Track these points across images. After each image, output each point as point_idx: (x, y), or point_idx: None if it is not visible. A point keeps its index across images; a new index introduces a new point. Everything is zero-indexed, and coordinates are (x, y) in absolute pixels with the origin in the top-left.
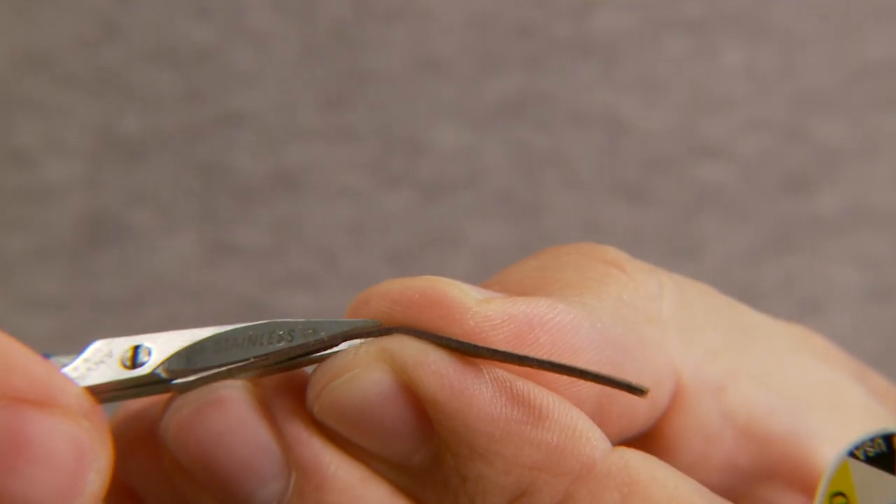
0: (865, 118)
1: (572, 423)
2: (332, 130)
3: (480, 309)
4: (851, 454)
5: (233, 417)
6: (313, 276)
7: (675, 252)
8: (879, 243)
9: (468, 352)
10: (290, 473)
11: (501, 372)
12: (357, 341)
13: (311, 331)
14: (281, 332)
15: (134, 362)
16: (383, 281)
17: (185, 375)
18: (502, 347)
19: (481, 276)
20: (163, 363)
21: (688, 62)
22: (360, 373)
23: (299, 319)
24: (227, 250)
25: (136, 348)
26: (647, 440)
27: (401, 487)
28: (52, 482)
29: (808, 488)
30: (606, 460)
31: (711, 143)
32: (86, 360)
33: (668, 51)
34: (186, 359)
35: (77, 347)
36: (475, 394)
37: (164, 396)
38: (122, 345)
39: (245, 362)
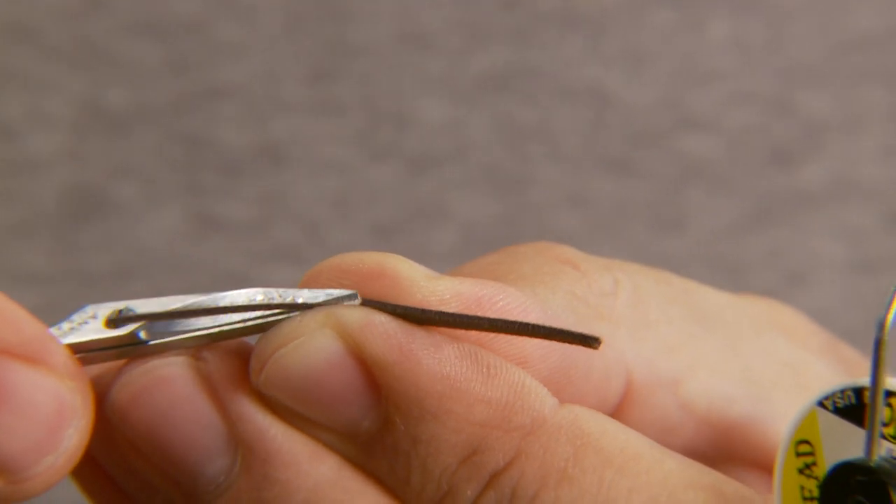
0: (851, 91)
1: (520, 380)
2: (318, 103)
3: (429, 284)
4: (820, 404)
5: (175, 395)
6: (298, 249)
7: (661, 225)
8: (864, 216)
9: (416, 317)
10: (237, 449)
11: (447, 334)
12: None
13: (290, 298)
14: (261, 299)
15: (116, 324)
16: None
17: (163, 338)
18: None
19: (467, 248)
20: (143, 325)
21: (674, 35)
22: (307, 340)
23: (284, 289)
24: (212, 223)
25: (121, 311)
26: None
27: (350, 459)
28: (29, 434)
29: (769, 468)
30: (556, 415)
31: (697, 116)
32: (70, 321)
33: (654, 23)
34: (167, 323)
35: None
36: (423, 354)
37: (120, 363)
38: (109, 308)
39: (219, 328)
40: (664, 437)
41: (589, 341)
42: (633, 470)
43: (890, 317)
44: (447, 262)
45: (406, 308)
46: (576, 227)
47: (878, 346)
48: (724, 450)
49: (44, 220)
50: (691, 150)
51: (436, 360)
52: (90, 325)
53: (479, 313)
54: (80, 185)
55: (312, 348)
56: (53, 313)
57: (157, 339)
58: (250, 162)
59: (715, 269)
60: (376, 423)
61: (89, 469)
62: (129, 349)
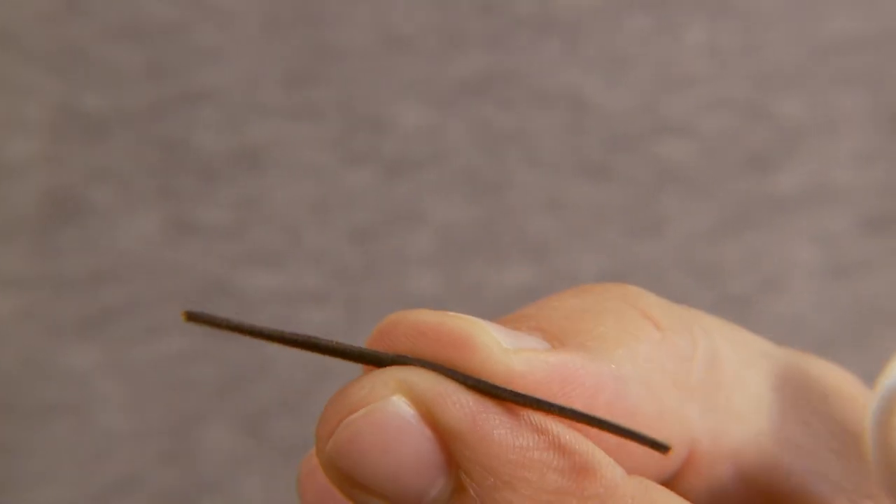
0: (826, 96)
1: (590, 450)
2: (296, 107)
3: (506, 358)
4: None
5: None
6: (277, 254)
7: (638, 229)
8: (839, 220)
9: (488, 391)
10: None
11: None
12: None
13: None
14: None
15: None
16: (413, 310)
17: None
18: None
19: (444, 252)
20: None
21: (651, 40)
22: (380, 405)
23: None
24: (190, 228)
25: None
26: None
27: None
28: None
29: None
30: (627, 485)
31: (674, 121)
32: None
33: (631, 28)
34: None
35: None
36: (496, 423)
37: None
38: None
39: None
40: (716, 502)
41: (659, 448)
42: None
43: None
44: (424, 265)
45: (479, 381)
46: (553, 232)
47: None
48: None
49: (21, 224)
50: (668, 155)
51: (508, 429)
52: None
53: (554, 389)
54: (57, 189)
55: (386, 414)
56: (31, 317)
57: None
58: (228, 166)
59: (691, 274)
60: (445, 493)
61: None
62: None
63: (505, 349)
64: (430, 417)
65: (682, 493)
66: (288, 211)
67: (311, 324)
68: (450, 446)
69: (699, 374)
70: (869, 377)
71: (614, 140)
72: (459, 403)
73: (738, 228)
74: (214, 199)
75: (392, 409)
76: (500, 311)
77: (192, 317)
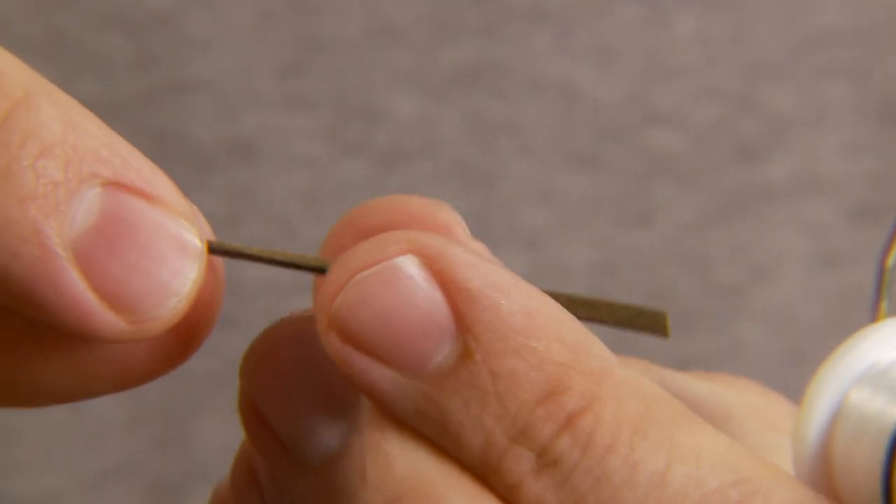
0: (814, 87)
1: (586, 330)
2: (289, 98)
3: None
4: None
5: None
6: (270, 245)
7: (628, 219)
8: (827, 211)
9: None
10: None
11: None
12: None
13: None
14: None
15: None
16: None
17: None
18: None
19: None
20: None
21: (641, 30)
22: (391, 264)
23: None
24: None
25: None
26: None
27: (410, 399)
28: (155, 274)
29: None
30: (623, 370)
31: (664, 111)
32: None
33: (621, 18)
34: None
35: None
36: (510, 286)
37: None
38: None
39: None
40: None
41: (657, 324)
42: (699, 430)
43: None
44: None
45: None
46: (544, 222)
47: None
48: None
49: None
50: (658, 146)
51: (521, 293)
52: None
53: None
54: None
55: (397, 273)
56: None
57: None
58: (221, 157)
59: (681, 264)
60: (451, 358)
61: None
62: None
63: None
64: (443, 277)
65: None
66: (281, 202)
67: None
68: (461, 308)
69: None
70: None
71: (605, 130)
72: (474, 263)
73: (726, 218)
74: (208, 189)
75: (404, 267)
76: None
77: (213, 249)
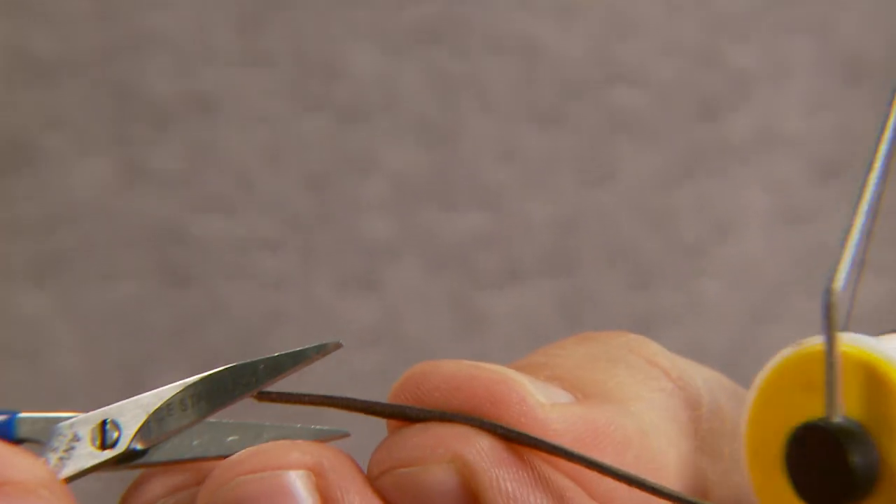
0: (777, 42)
1: None
2: (248, 53)
3: (544, 413)
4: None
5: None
6: (230, 200)
7: (591, 177)
8: (789, 167)
9: (528, 443)
10: None
11: (558, 480)
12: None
13: (273, 369)
14: (247, 378)
15: (104, 442)
16: (441, 360)
17: (159, 441)
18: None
19: (397, 200)
20: (136, 435)
21: None
22: (431, 469)
23: (260, 358)
24: (142, 174)
25: (104, 425)
26: None
27: None
28: None
29: None
30: None
31: (626, 68)
32: (54, 450)
33: None
34: (158, 423)
35: None
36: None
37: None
38: (85, 424)
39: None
40: None
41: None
42: None
43: (840, 271)
44: (378, 212)
45: (521, 434)
46: (506, 178)
47: (828, 304)
48: None
49: None
50: (620, 103)
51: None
52: (79, 450)
53: (587, 443)
54: (8, 135)
55: (435, 479)
56: None
57: (152, 444)
58: (180, 112)
59: (644, 221)
60: None
61: None
62: (126, 463)
63: (542, 403)
64: (476, 492)
65: None
66: (241, 157)
67: (265, 270)
68: None
69: (706, 424)
70: (818, 323)
71: (567, 87)
72: (507, 491)
73: (689, 175)
74: (167, 145)
75: (440, 476)
76: (453, 256)
77: (264, 396)
